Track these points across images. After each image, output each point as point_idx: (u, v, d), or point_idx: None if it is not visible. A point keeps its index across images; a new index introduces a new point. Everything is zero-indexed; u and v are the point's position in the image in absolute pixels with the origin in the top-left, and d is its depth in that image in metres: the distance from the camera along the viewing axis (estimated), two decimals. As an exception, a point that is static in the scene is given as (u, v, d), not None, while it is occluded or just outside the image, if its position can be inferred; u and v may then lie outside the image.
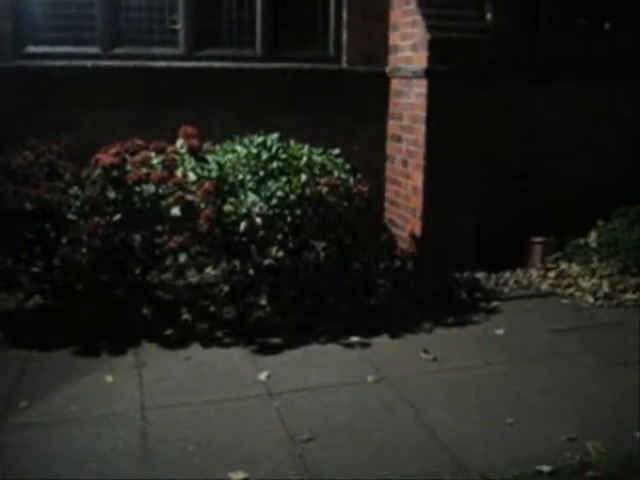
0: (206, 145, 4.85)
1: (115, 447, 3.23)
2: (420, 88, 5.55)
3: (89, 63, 5.42)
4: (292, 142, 5.01)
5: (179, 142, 4.81)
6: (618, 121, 6.55)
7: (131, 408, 3.59)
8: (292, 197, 4.55)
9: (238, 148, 4.86)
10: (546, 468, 3.12)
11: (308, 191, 4.59)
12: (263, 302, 4.71)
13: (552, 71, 6.20)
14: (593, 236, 5.92)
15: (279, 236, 4.55)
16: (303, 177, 4.65)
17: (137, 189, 4.47)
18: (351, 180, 4.88)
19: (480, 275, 5.62)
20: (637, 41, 6.50)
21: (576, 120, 6.33)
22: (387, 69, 6.10)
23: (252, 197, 4.52)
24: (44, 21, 5.44)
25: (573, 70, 6.27)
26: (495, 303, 5.20)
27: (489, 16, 6.13)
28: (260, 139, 4.91)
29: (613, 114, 6.51)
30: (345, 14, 5.99)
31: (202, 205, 4.44)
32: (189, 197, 4.45)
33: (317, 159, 4.90)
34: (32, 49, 5.42)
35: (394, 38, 6.02)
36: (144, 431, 3.38)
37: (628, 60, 6.47)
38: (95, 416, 3.50)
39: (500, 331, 4.69)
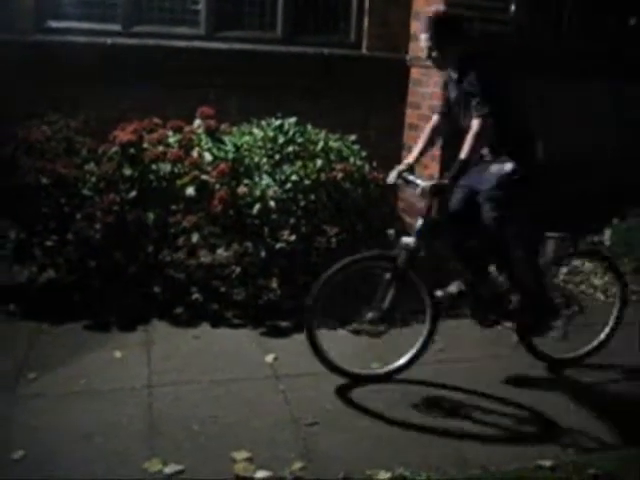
0: (223, 126, 4.85)
1: (121, 422, 3.26)
2: (440, 77, 5.50)
3: (109, 40, 5.40)
4: (309, 127, 5.00)
5: (196, 122, 4.82)
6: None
7: (138, 384, 3.62)
8: (307, 182, 4.55)
9: (255, 130, 4.86)
10: (547, 463, 3.13)
11: (323, 176, 4.59)
12: (274, 285, 4.73)
13: (574, 68, 6.13)
14: (607, 234, 5.89)
15: (292, 220, 4.56)
16: (319, 162, 4.65)
17: (153, 167, 4.49)
18: (366, 167, 4.87)
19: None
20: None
21: (597, 119, 6.27)
22: (407, 57, 6.06)
23: (267, 180, 4.52)
24: (66, -4, 5.43)
25: (595, 67, 6.19)
26: (505, 296, 5.17)
27: (513, 8, 6.08)
28: (277, 122, 4.90)
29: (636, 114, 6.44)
30: (367, 0, 5.96)
31: (217, 186, 4.45)
32: (204, 177, 4.47)
33: (333, 145, 4.89)
34: (53, 24, 5.40)
35: (416, 26, 5.97)
36: (150, 407, 3.41)
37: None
38: (102, 390, 3.54)
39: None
